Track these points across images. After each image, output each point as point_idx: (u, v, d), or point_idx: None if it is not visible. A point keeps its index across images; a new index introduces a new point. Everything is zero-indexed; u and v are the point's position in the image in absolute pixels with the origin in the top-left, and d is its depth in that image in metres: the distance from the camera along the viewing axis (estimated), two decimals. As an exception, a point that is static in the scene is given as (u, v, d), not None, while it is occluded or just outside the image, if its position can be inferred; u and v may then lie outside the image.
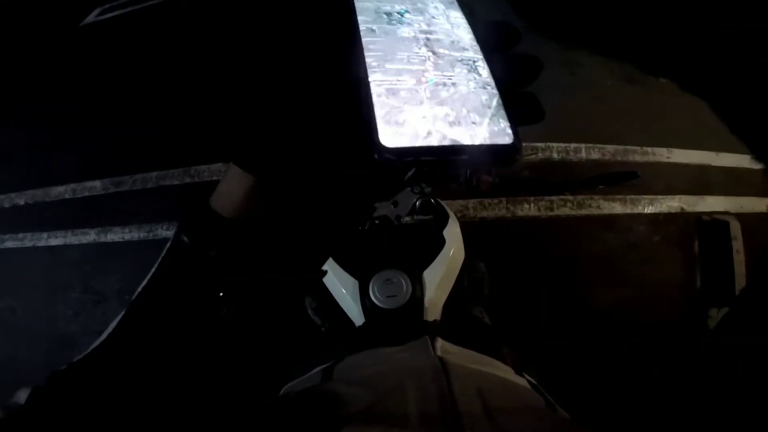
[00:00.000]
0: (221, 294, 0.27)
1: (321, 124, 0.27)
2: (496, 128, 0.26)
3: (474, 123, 0.26)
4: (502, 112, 0.27)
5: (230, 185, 0.27)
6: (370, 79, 0.26)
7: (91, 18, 3.56)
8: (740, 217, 1.79)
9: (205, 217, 0.27)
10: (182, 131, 2.35)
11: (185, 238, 0.28)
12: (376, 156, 0.24)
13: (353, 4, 0.28)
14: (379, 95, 0.25)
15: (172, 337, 0.28)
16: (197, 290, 0.27)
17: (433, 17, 0.30)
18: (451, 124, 0.26)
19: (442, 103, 0.26)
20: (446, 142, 0.25)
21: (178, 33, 3.02)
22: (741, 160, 1.99)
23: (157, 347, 0.28)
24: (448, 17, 0.31)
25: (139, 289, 0.29)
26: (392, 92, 0.26)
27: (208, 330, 0.28)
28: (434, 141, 0.25)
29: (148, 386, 0.27)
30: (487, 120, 0.26)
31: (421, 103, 0.26)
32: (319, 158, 0.27)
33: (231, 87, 2.22)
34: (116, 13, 3.50)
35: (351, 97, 0.25)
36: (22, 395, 0.27)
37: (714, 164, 1.98)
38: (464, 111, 0.26)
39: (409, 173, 0.30)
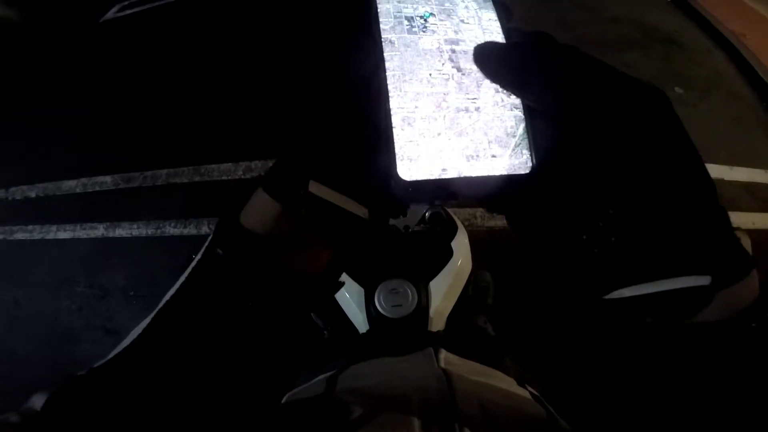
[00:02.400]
0: (249, 304, 0.28)
1: (342, 153, 0.27)
2: (516, 161, 0.24)
3: (494, 156, 0.23)
4: (527, 141, 0.24)
5: (259, 207, 0.28)
6: (390, 105, 0.24)
7: (110, 14, 3.63)
8: (752, 233, 1.77)
9: (237, 231, 0.28)
10: (194, 130, 2.38)
11: (219, 250, 0.28)
12: (392, 186, 0.23)
13: (376, 14, 0.25)
14: (393, 126, 0.23)
15: (198, 345, 0.28)
16: (227, 299, 0.28)
17: (462, 21, 0.26)
18: (469, 158, 0.23)
19: (461, 133, 0.23)
20: (462, 175, 0.23)
21: (194, 32, 3.06)
22: (755, 175, 1.97)
23: (181, 356, 0.28)
24: (480, 20, 0.26)
25: (168, 296, 0.29)
26: (408, 122, 0.23)
27: (231, 339, 0.28)
28: (450, 175, 0.23)
29: (167, 395, 0.27)
30: (508, 152, 0.24)
31: (439, 134, 0.23)
32: (341, 187, 0.27)
33: (248, 91, 2.24)
34: (135, 10, 3.56)
35: (371, 125, 0.24)
36: (37, 400, 0.26)
37: (728, 178, 1.96)
38: (485, 142, 0.24)
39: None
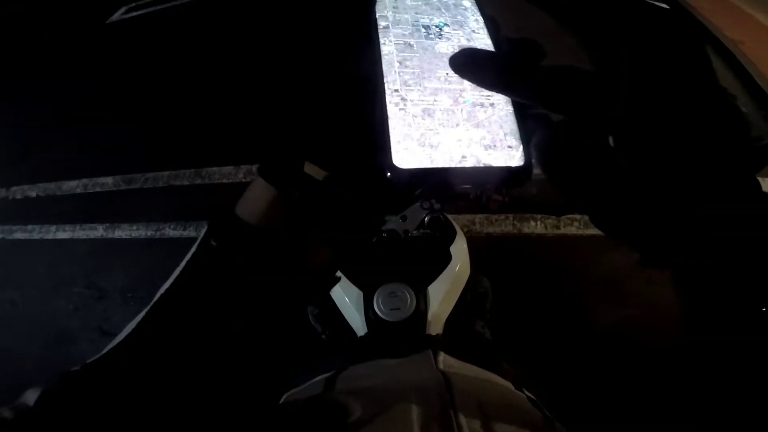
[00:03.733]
0: (243, 297, 0.28)
1: (339, 140, 0.28)
2: (508, 151, 0.26)
3: (510, 147, 0.25)
4: (517, 131, 0.26)
5: (255, 195, 0.29)
6: (387, 98, 0.25)
7: (116, 16, 3.64)
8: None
9: (232, 223, 0.28)
10: (196, 132, 2.38)
11: (213, 242, 0.28)
12: (388, 175, 0.24)
13: (375, 22, 0.27)
14: (415, 116, 0.25)
15: (192, 340, 0.28)
16: (222, 293, 0.28)
17: (474, 31, 0.28)
18: (487, 147, 0.25)
19: (478, 125, 0.25)
20: (472, 164, 0.25)
21: (200, 34, 3.07)
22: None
23: (176, 350, 0.28)
24: (488, 32, 0.29)
25: (162, 290, 0.29)
26: (428, 113, 0.25)
27: (225, 334, 0.29)
28: (468, 164, 0.25)
29: (161, 390, 0.27)
30: (523, 145, 0.25)
31: (458, 125, 0.25)
32: (337, 172, 0.28)
33: (251, 95, 2.25)
34: (141, 12, 3.57)
35: (368, 115, 0.25)
36: (30, 396, 0.26)
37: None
38: (501, 134, 0.26)
39: (417, 192, 0.30)
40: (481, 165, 0.25)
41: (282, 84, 2.27)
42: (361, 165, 0.27)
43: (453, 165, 0.24)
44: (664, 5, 3.20)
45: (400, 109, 0.25)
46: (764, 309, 0.21)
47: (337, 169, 0.28)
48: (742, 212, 0.21)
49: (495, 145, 0.25)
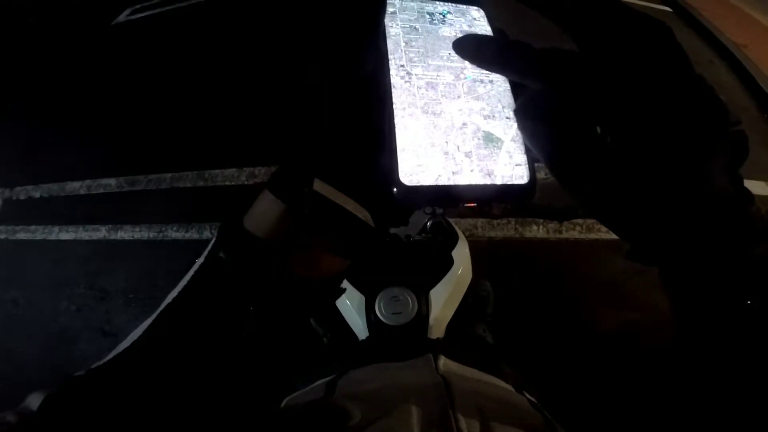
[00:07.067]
0: (251, 308, 0.28)
1: (347, 155, 0.28)
2: (513, 168, 0.27)
3: (508, 118, 0.27)
4: (522, 147, 0.27)
5: (263, 208, 0.29)
6: (396, 120, 0.26)
7: (122, 17, 3.66)
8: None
9: (240, 235, 0.28)
10: (199, 134, 2.39)
11: (222, 254, 0.29)
12: (394, 192, 0.24)
13: (385, 43, 0.28)
14: (419, 87, 0.27)
15: (199, 348, 0.28)
16: (229, 303, 0.28)
17: (475, 19, 0.31)
18: (486, 117, 0.27)
19: (478, 98, 0.27)
20: (478, 179, 0.25)
21: (205, 36, 3.08)
22: (756, 187, 1.97)
23: (181, 359, 0.28)
24: (488, 21, 0.31)
25: (169, 299, 0.29)
26: (432, 86, 0.27)
27: (232, 343, 0.29)
28: (474, 177, 0.25)
29: (166, 397, 0.27)
30: (528, 162, 0.27)
31: (459, 97, 0.27)
32: (346, 189, 0.28)
33: (256, 98, 2.26)
34: (146, 13, 3.60)
35: (375, 135, 0.26)
36: (34, 400, 0.26)
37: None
38: (500, 106, 0.27)
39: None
40: (487, 183, 0.25)
41: (288, 86, 2.28)
42: (368, 181, 0.27)
43: (459, 183, 0.25)
44: (666, 8, 3.21)
45: (406, 82, 0.27)
46: (749, 302, 0.22)
47: (346, 186, 0.28)
48: (723, 208, 0.22)
49: (494, 116, 0.27)
